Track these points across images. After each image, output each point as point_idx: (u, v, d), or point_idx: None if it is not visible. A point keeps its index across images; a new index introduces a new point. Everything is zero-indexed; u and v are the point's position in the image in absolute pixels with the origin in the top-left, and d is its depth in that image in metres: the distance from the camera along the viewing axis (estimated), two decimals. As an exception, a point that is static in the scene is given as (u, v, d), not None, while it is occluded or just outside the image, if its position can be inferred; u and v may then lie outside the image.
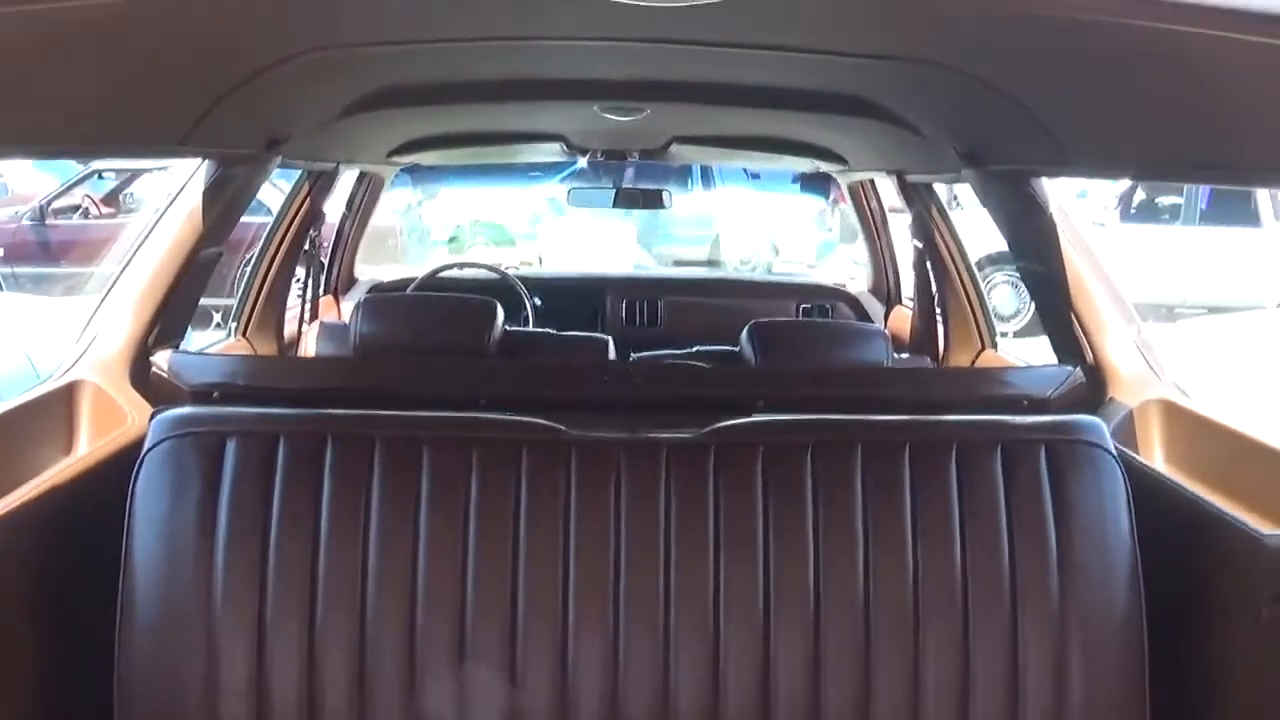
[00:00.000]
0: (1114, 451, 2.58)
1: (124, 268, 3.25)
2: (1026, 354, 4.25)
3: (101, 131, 2.42)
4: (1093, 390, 3.18)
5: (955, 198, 7.04)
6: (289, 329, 4.80)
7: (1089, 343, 3.26)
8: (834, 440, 2.60)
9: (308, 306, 5.04)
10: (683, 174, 15.85)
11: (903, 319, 5.34)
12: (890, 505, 2.53)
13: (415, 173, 9.80)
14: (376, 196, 5.98)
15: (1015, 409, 3.06)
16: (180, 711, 2.43)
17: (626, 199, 6.46)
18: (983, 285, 4.72)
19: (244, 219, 3.57)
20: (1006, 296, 12.93)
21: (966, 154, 3.35)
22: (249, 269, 4.55)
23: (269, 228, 4.59)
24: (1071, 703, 2.45)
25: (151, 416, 2.64)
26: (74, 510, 2.57)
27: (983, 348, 4.50)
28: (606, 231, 11.72)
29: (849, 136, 4.39)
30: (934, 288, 4.67)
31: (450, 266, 6.24)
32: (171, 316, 3.23)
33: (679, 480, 2.54)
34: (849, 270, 7.85)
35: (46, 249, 15.11)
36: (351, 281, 6.03)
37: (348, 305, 5.54)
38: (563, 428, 2.60)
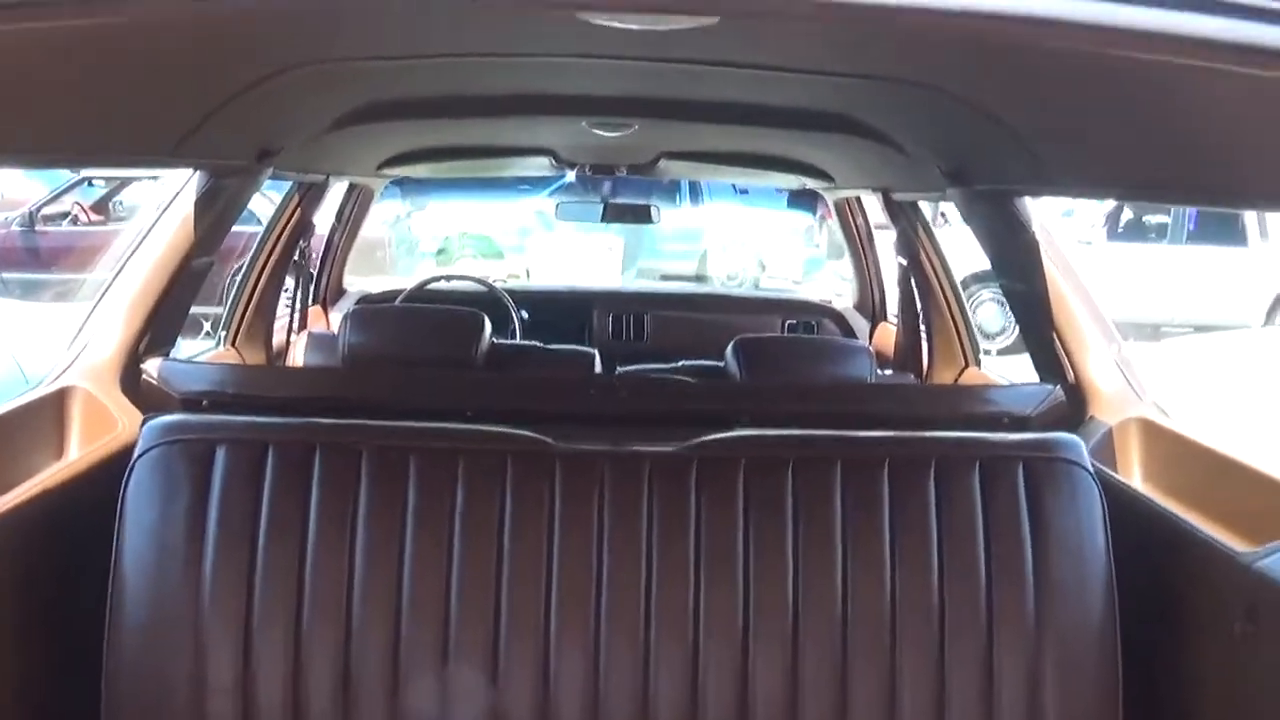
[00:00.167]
0: (1091, 469, 2.61)
1: (116, 275, 3.27)
2: (1010, 372, 4.28)
3: (96, 142, 2.45)
4: (1073, 408, 3.20)
5: (943, 214, 7.05)
6: (277, 339, 4.82)
7: (1070, 361, 3.29)
8: (814, 456, 2.63)
9: (296, 317, 5.06)
10: (671, 189, 15.87)
11: (888, 335, 5.37)
12: (869, 521, 2.56)
13: (404, 185, 9.80)
14: (366, 208, 6.00)
15: (996, 426, 3.08)
16: (167, 713, 2.45)
17: (615, 213, 6.48)
18: (967, 303, 4.74)
19: (235, 228, 3.60)
20: (992, 314, 12.96)
21: (950, 173, 3.38)
22: (239, 278, 4.57)
23: (259, 238, 4.61)
24: (1048, 711, 2.49)
25: (142, 423, 2.66)
26: (64, 514, 2.59)
27: (966, 365, 4.51)
28: (594, 246, 11.73)
29: (835, 154, 4.42)
30: (918, 305, 4.70)
31: (438, 279, 6.26)
32: (162, 325, 3.25)
33: (661, 493, 2.57)
34: (837, 286, 7.87)
35: (35, 255, 15.08)
36: (340, 292, 6.04)
37: (336, 316, 5.54)
38: (548, 439, 2.63)
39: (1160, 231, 16.18)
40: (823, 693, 2.49)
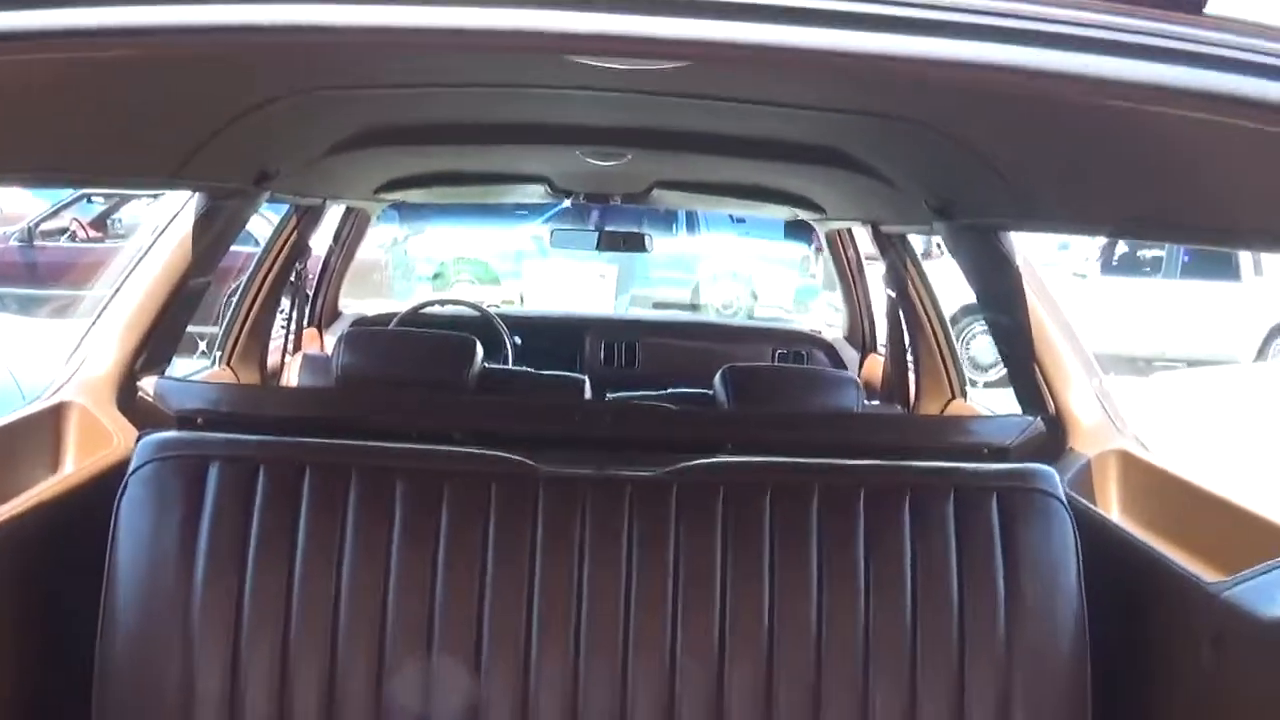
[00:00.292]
0: (1064, 500, 2.66)
1: (114, 294, 3.31)
2: (997, 404, 4.31)
3: (100, 163, 2.50)
4: (1052, 440, 3.24)
5: (939, 245, 7.09)
6: (272, 360, 4.85)
7: (1051, 393, 3.33)
8: (792, 482, 2.68)
9: (291, 338, 5.10)
10: (668, 218, 15.94)
11: (877, 366, 5.38)
12: (844, 547, 2.61)
13: (402, 209, 9.84)
14: (362, 232, 6.03)
15: (976, 457, 3.11)
16: None
17: (609, 241, 6.52)
18: (959, 335, 4.78)
19: (233, 248, 3.65)
20: (985, 346, 12.96)
21: (936, 207, 3.42)
22: (235, 299, 4.61)
23: (256, 259, 4.65)
24: None
25: (137, 439, 2.71)
26: (60, 527, 2.63)
27: (952, 396, 4.55)
28: (587, 273, 11.78)
29: (826, 187, 4.45)
30: (906, 337, 4.74)
31: (433, 303, 6.30)
32: (159, 343, 3.30)
33: (642, 517, 2.62)
34: (831, 316, 7.91)
35: (33, 270, 15.06)
36: (335, 315, 6.06)
37: (331, 338, 5.58)
38: (532, 463, 2.68)
39: (1155, 265, 16.22)
40: (795, 710, 2.54)
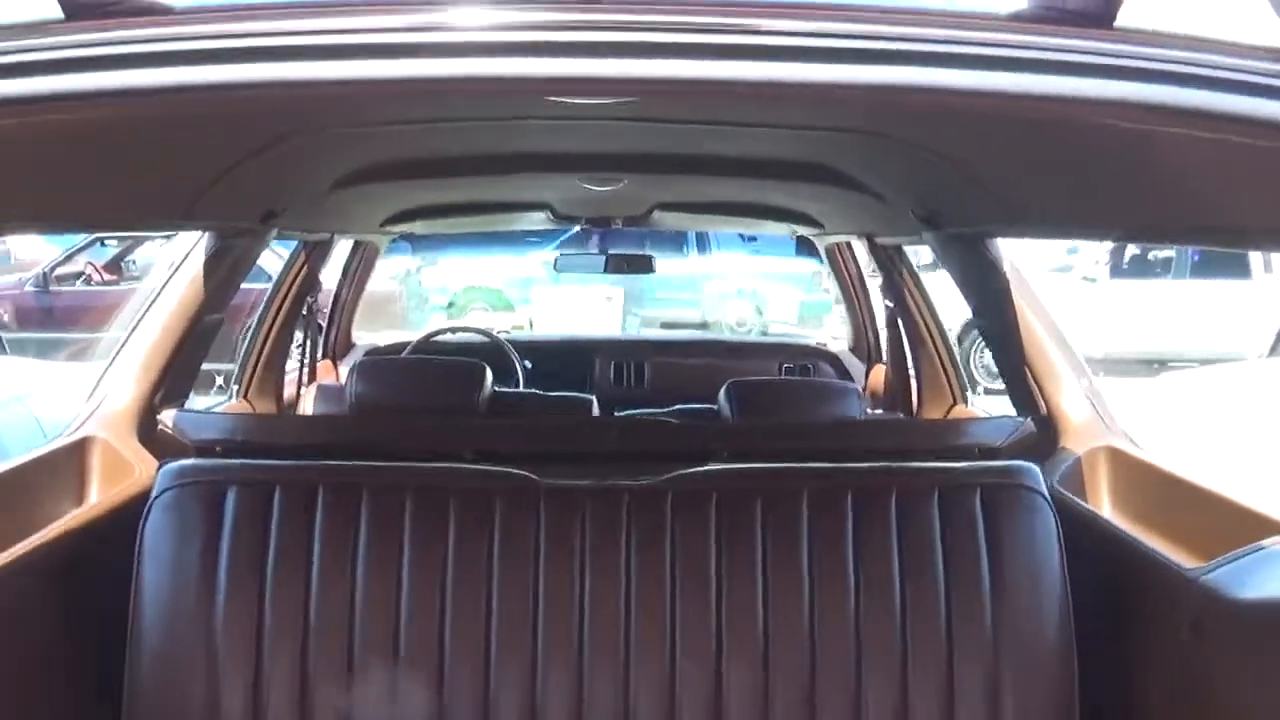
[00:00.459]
0: (1047, 494, 2.76)
1: (131, 332, 3.42)
2: (999, 408, 4.38)
3: (110, 208, 2.62)
4: (1043, 439, 3.33)
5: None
6: (288, 391, 4.95)
7: (1042, 394, 3.42)
8: (782, 487, 2.79)
9: (305, 369, 5.20)
10: (678, 240, 16.00)
11: (883, 376, 5.48)
12: (833, 548, 2.72)
13: (415, 240, 9.91)
14: (372, 264, 6.14)
15: (968, 457, 3.20)
16: None
17: (615, 265, 6.61)
18: (970, 343, 4.83)
19: (245, 285, 3.76)
20: (996, 353, 12.98)
21: (924, 217, 3.50)
22: (249, 334, 4.71)
23: (268, 294, 4.75)
24: (1006, 716, 2.64)
25: (158, 469, 2.83)
26: (86, 554, 2.75)
27: (954, 403, 4.62)
28: (594, 296, 11.85)
29: (819, 202, 4.51)
30: (905, 346, 4.82)
31: (444, 331, 6.39)
32: (176, 378, 3.41)
33: (639, 524, 2.74)
34: (844, 330, 7.98)
35: (50, 315, 15.11)
36: (349, 346, 6.16)
37: (345, 369, 5.66)
38: (533, 476, 2.80)
39: (1165, 266, 16.16)
40: (791, 709, 2.66)
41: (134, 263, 15.89)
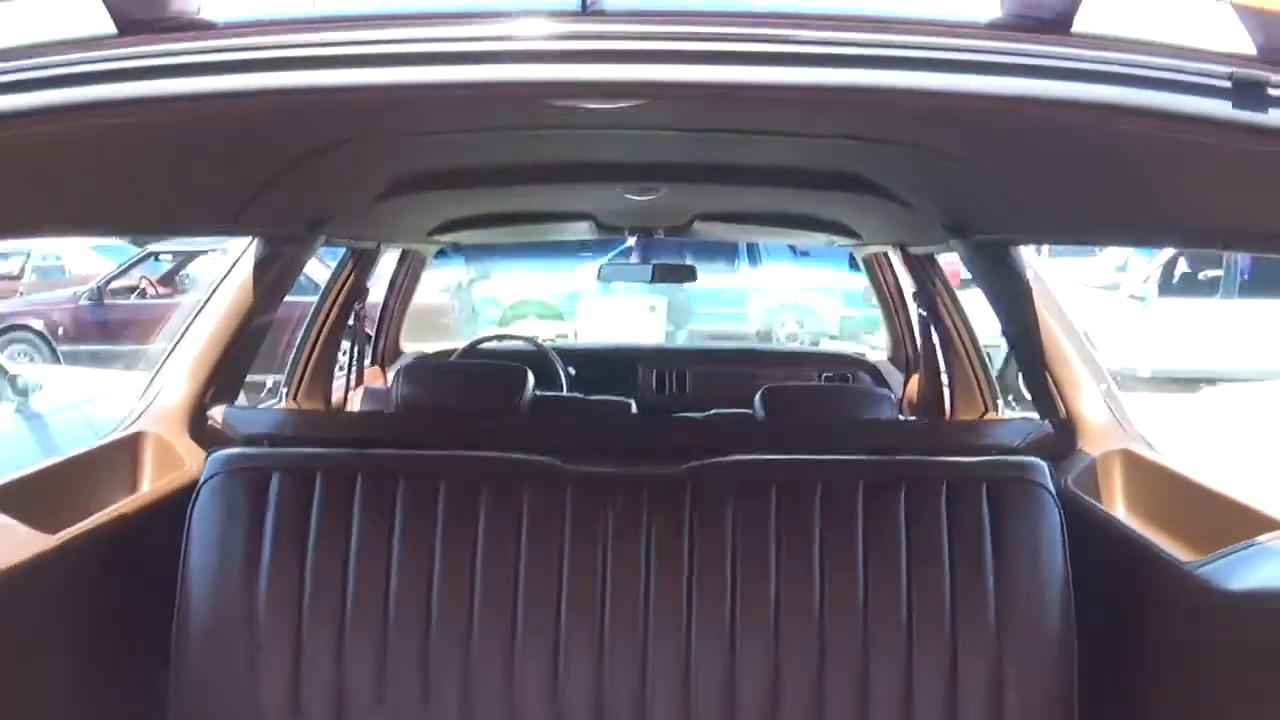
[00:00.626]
0: (1052, 489, 2.86)
1: (183, 334, 3.57)
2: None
3: (163, 212, 2.77)
4: (1060, 440, 3.41)
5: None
6: (336, 396, 5.08)
7: (1062, 397, 3.51)
8: (796, 478, 2.93)
9: (353, 373, 5.33)
10: (730, 252, 16.05)
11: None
12: (844, 536, 2.85)
13: (468, 253, 10.01)
14: (419, 274, 6.27)
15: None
16: (227, 707, 2.80)
17: (661, 274, 6.70)
18: (984, 350, 4.87)
19: (294, 298, 3.89)
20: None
21: (951, 226, 3.60)
22: (299, 338, 4.83)
23: (317, 300, 4.88)
24: (1008, 701, 2.76)
25: (206, 456, 2.99)
26: (138, 535, 2.91)
27: (986, 410, 4.70)
28: (638, 306, 11.92)
29: (853, 212, 4.59)
30: (939, 354, 4.89)
31: (489, 339, 6.53)
32: (226, 377, 3.56)
33: (660, 511, 2.89)
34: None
35: (104, 328, 15.40)
36: (397, 353, 6.28)
37: (392, 375, 5.79)
38: (560, 464, 2.95)
39: (1213, 285, 16.07)
40: (800, 690, 2.79)
41: (188, 277, 16.15)
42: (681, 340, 13.29)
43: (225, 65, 1.70)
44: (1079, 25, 1.70)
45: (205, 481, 2.89)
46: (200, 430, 3.41)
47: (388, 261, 5.77)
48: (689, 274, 6.74)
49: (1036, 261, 3.73)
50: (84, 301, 16.02)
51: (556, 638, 2.82)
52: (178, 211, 2.82)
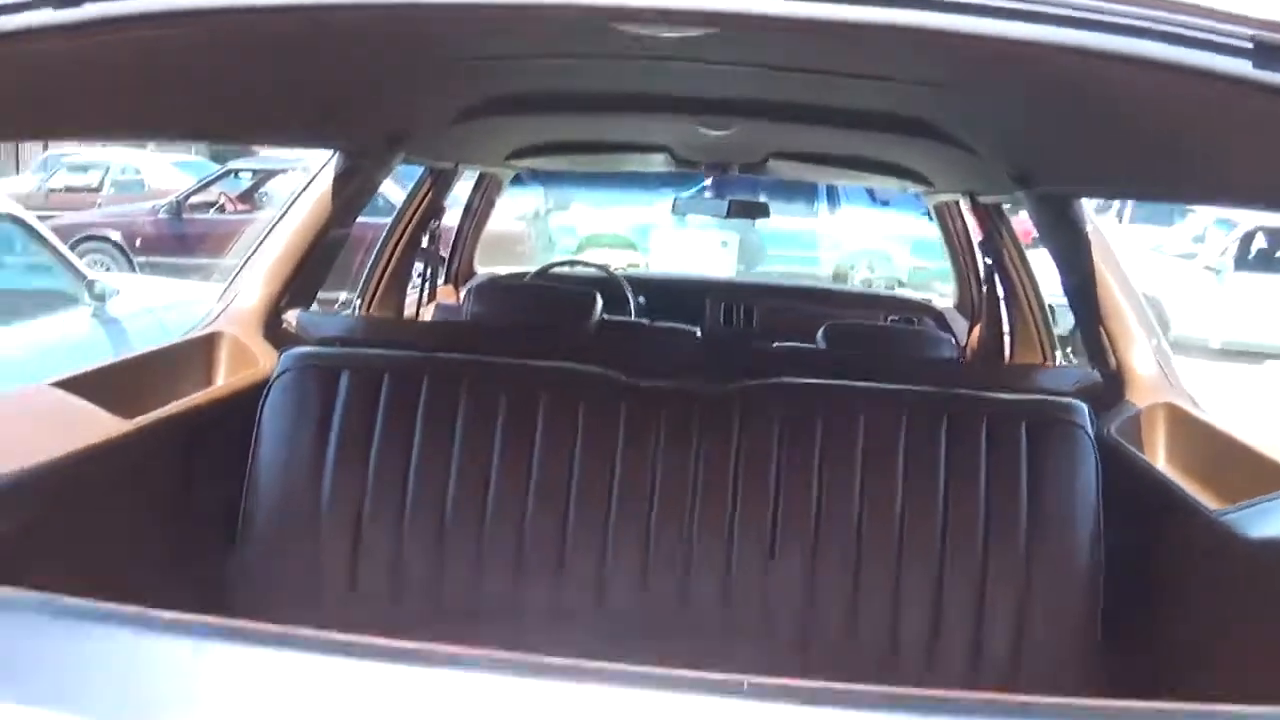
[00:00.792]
0: (1090, 432, 2.95)
1: (261, 241, 3.69)
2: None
3: (250, 123, 2.90)
4: (1108, 390, 3.48)
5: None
6: (409, 312, 5.22)
7: (1114, 349, 3.58)
8: (841, 399, 3.06)
9: (426, 289, 5.45)
10: (810, 195, 15.97)
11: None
12: (884, 455, 2.98)
13: (547, 181, 10.03)
14: (494, 198, 6.37)
15: None
16: (286, 586, 2.98)
17: (736, 209, 6.76)
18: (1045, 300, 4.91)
19: (367, 219, 4.01)
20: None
21: (1016, 176, 3.67)
22: (374, 254, 4.95)
23: (394, 216, 5.00)
24: (1032, 625, 2.90)
25: (280, 352, 3.15)
26: (212, 425, 3.05)
27: (1044, 359, 4.77)
28: (711, 240, 11.90)
29: (923, 158, 4.61)
30: (1001, 302, 4.96)
31: (562, 263, 6.62)
32: (302, 285, 3.68)
33: (708, 424, 3.03)
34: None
35: (181, 241, 15.70)
36: (471, 274, 6.38)
37: (464, 293, 5.89)
38: (617, 375, 3.10)
39: (1291, 260, 16.05)
40: (836, 593, 2.94)
41: (266, 194, 16.35)
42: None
43: None
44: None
45: (278, 377, 3.06)
46: (275, 332, 3.53)
47: (464, 188, 5.87)
48: (763, 210, 6.80)
49: (1116, 227, 3.77)
50: (162, 215, 16.29)
51: (604, 537, 2.98)
52: (262, 122, 2.94)
